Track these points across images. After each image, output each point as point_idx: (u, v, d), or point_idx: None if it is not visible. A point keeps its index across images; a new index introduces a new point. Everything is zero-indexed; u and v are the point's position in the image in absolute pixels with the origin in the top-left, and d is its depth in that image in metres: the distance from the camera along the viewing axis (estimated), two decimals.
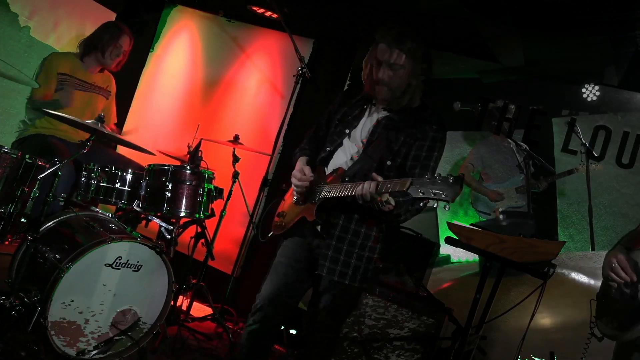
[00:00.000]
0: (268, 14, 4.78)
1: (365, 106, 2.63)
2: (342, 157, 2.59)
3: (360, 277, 2.52)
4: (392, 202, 2.29)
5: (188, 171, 3.40)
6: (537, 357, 3.59)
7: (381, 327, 3.19)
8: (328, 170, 2.60)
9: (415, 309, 3.17)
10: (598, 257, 3.73)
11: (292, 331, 3.82)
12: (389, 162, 2.48)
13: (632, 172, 3.62)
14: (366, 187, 2.24)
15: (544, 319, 3.61)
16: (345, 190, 2.35)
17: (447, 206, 2.01)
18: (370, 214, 2.43)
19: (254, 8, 4.79)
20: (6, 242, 3.09)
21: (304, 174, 2.57)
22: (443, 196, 2.00)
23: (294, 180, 2.59)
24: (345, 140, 2.60)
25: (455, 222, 2.52)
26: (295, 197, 2.62)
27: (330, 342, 2.70)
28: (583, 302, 2.55)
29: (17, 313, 2.72)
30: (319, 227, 2.53)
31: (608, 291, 2.36)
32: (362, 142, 2.55)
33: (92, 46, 4.07)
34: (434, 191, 2.01)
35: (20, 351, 2.73)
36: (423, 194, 2.02)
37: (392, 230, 3.03)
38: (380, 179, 2.23)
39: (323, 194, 2.49)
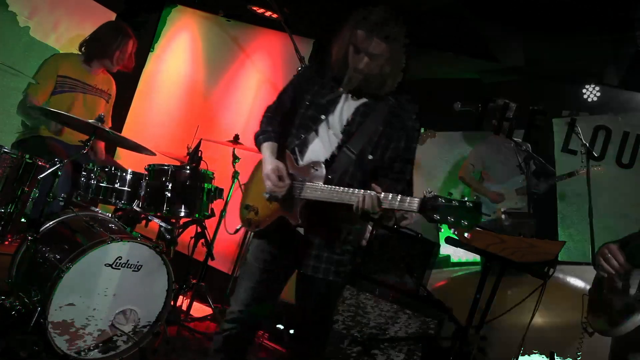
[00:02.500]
0: (268, 14, 4.79)
1: (340, 89, 2.41)
2: (320, 148, 2.39)
3: (344, 272, 2.43)
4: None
5: (188, 171, 3.40)
6: (537, 357, 3.59)
7: (381, 326, 3.19)
8: (302, 161, 2.40)
9: (415, 309, 3.17)
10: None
11: (292, 331, 3.82)
12: (370, 156, 2.35)
13: (632, 172, 3.62)
14: (368, 204, 2.11)
15: (544, 319, 3.61)
16: (336, 196, 2.21)
17: (468, 234, 1.95)
18: (351, 209, 2.23)
19: (254, 8, 4.79)
20: (6, 242, 3.09)
21: (281, 178, 2.33)
22: (462, 223, 1.91)
23: (269, 184, 2.35)
24: (322, 129, 2.40)
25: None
26: (267, 196, 2.40)
27: (321, 339, 2.57)
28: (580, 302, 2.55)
29: (17, 313, 2.72)
30: (301, 230, 2.39)
31: (600, 286, 2.37)
32: (342, 131, 2.38)
33: (100, 53, 4.04)
34: (451, 218, 1.91)
35: (20, 351, 2.72)
36: (439, 218, 1.93)
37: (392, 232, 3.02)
38: (379, 189, 2.11)
39: (306, 194, 2.30)
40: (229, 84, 5.25)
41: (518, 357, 3.53)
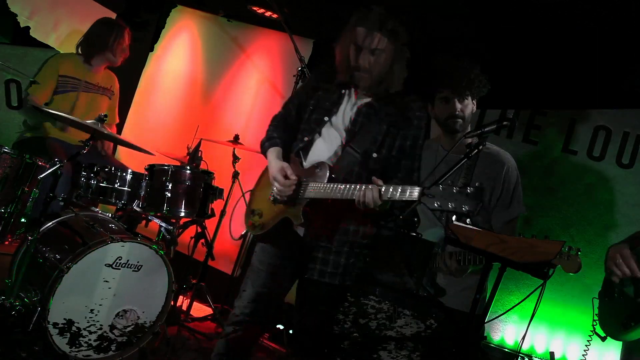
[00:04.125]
0: (268, 14, 4.78)
1: (343, 91, 2.43)
2: (323, 149, 2.39)
3: (350, 276, 2.40)
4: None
5: (188, 171, 3.40)
6: (538, 357, 3.59)
7: (381, 327, 3.19)
8: (306, 162, 2.40)
9: (415, 309, 3.17)
10: None
11: (292, 331, 3.82)
12: (374, 155, 2.34)
13: (632, 172, 3.61)
14: (369, 196, 2.09)
15: (544, 319, 3.61)
16: (338, 192, 2.20)
17: (469, 220, 1.94)
18: (357, 210, 2.21)
19: (254, 8, 4.79)
20: (6, 242, 3.09)
21: (287, 177, 2.32)
22: (463, 209, 1.90)
23: (276, 185, 2.35)
24: (325, 130, 2.40)
25: (455, 222, 2.51)
26: (272, 197, 2.42)
27: (322, 343, 2.49)
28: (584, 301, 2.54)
29: (17, 313, 2.72)
30: (304, 230, 2.38)
31: (610, 289, 2.35)
32: (345, 130, 2.38)
33: (99, 46, 4.06)
34: (452, 204, 1.91)
35: (20, 351, 2.72)
36: (440, 205, 1.92)
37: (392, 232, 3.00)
38: (380, 182, 2.10)
39: (309, 193, 2.30)
40: (229, 84, 5.25)
41: (518, 357, 3.53)
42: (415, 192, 1.99)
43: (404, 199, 2.04)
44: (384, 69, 2.31)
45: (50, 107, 3.80)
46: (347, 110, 2.41)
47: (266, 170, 2.53)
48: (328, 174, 2.29)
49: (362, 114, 2.38)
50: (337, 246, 2.37)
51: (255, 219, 2.51)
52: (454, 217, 1.95)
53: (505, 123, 2.40)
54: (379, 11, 2.28)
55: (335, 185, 2.23)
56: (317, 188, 2.28)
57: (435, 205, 1.92)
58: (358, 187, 2.15)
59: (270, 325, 3.95)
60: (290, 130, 2.54)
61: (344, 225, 2.37)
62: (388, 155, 2.36)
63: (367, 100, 2.40)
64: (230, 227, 4.05)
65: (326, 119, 2.41)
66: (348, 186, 2.18)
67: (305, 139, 2.42)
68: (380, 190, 2.09)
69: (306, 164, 2.41)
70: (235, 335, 2.43)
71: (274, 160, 2.42)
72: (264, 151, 2.53)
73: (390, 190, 2.07)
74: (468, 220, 1.93)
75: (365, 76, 2.32)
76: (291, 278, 2.49)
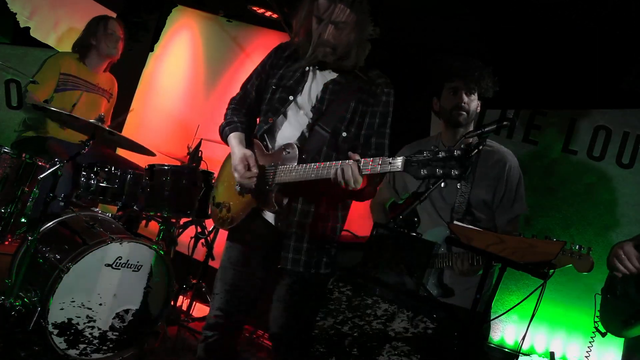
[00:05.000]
0: (268, 14, 4.78)
1: (307, 68, 2.32)
2: (290, 129, 2.29)
3: (326, 264, 2.29)
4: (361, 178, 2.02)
5: (188, 171, 3.40)
6: (538, 357, 3.59)
7: (381, 327, 3.19)
8: (272, 145, 2.30)
9: (415, 309, 3.17)
10: None
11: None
12: (344, 134, 2.23)
13: (632, 172, 3.61)
14: (348, 173, 1.96)
15: (544, 319, 3.61)
16: (312, 173, 2.07)
17: (461, 183, 1.82)
18: (331, 192, 2.10)
19: (254, 8, 4.79)
20: (6, 242, 3.10)
21: (248, 167, 2.20)
22: (453, 174, 1.79)
23: (237, 175, 2.22)
24: (291, 111, 2.30)
25: (455, 222, 2.52)
26: (238, 188, 2.29)
27: (306, 341, 2.31)
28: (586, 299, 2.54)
29: (17, 313, 2.72)
30: (274, 217, 2.26)
31: (612, 286, 2.35)
32: (312, 109, 2.27)
33: (88, 45, 4.06)
34: (440, 170, 1.80)
35: (20, 351, 2.73)
36: (427, 173, 1.82)
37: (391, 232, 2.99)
38: (357, 157, 1.99)
39: (280, 178, 2.17)
40: (229, 84, 5.25)
41: (518, 357, 3.53)
42: (397, 163, 1.88)
43: (386, 171, 1.93)
44: (347, 42, 2.19)
45: (51, 104, 3.79)
46: (312, 88, 2.30)
47: (229, 158, 2.40)
48: (297, 155, 2.17)
49: (329, 90, 2.28)
50: (311, 232, 2.25)
51: (223, 212, 2.38)
52: (442, 184, 1.86)
53: (505, 123, 2.41)
54: None
55: (307, 166, 2.10)
56: (288, 171, 2.15)
57: (423, 173, 1.83)
58: (334, 164, 2.03)
59: (260, 323, 3.92)
60: (250, 112, 2.44)
61: (317, 210, 2.26)
62: (357, 134, 2.28)
63: (333, 76, 2.30)
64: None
65: (291, 98, 2.29)
66: (322, 164, 2.06)
67: (269, 120, 2.31)
68: (359, 166, 1.97)
69: (272, 147, 2.30)
70: (212, 340, 2.35)
71: (236, 147, 2.30)
72: (224, 137, 2.40)
73: (371, 164, 1.96)
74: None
75: (328, 50, 2.19)
76: (262, 269, 2.34)
